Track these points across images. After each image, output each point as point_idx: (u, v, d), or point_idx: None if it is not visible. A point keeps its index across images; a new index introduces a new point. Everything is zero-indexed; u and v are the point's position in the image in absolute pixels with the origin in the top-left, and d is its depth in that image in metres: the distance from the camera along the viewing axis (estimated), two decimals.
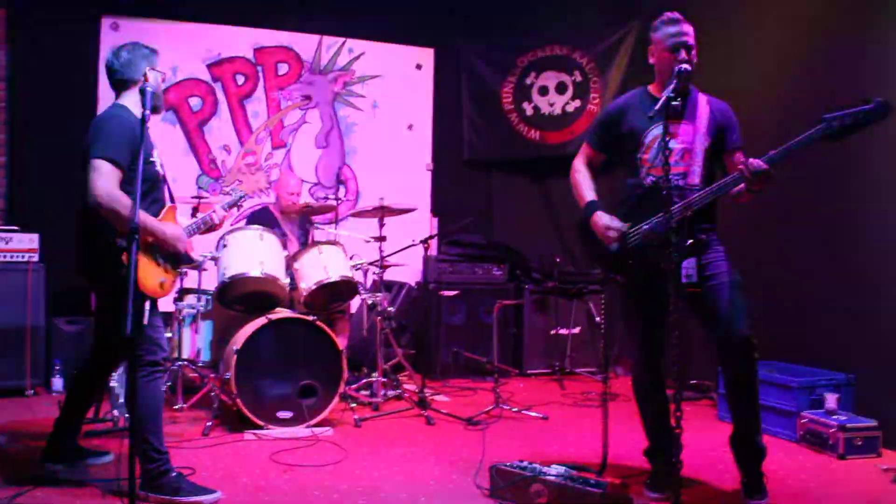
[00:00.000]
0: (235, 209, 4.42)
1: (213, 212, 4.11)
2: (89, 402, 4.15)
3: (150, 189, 3.68)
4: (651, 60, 3.79)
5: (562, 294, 7.20)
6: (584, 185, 3.94)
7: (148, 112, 3.07)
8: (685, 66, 3.49)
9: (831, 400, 4.80)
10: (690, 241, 3.42)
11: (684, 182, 3.62)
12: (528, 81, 7.79)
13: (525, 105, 7.81)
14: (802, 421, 4.81)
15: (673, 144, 3.61)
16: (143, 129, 3.04)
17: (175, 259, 3.74)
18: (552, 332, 7.21)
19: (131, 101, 3.70)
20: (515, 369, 7.06)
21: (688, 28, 3.65)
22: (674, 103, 3.31)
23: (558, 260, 7.28)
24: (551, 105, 7.75)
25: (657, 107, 3.29)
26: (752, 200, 3.56)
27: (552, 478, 3.54)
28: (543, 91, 7.76)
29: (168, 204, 3.85)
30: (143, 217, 3.49)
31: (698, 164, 3.64)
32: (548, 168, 7.89)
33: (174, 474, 3.65)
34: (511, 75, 7.82)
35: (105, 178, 3.43)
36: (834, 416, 4.68)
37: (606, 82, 7.49)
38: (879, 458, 4.53)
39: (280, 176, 6.48)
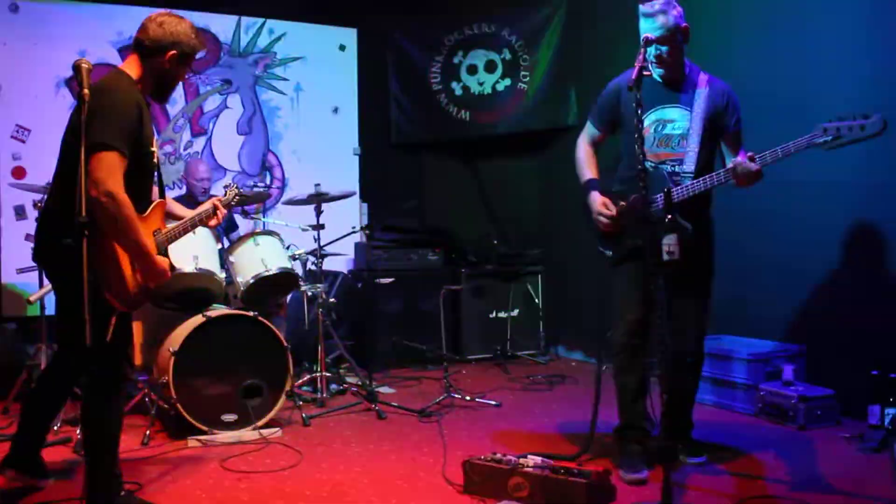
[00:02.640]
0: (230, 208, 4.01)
1: (215, 211, 3.73)
2: (53, 412, 3.75)
3: (143, 182, 3.26)
4: None
5: (499, 277, 7.06)
6: (585, 162, 3.99)
7: (87, 91, 2.73)
8: (648, 34, 3.47)
9: (788, 371, 4.79)
10: (669, 216, 3.29)
11: (680, 168, 3.65)
12: (456, 60, 7.57)
13: (454, 85, 7.59)
14: (761, 394, 4.78)
15: (668, 130, 3.71)
16: (79, 112, 2.70)
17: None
18: (491, 315, 7.06)
19: (136, 70, 3.23)
20: (456, 356, 6.87)
21: (662, 20, 3.57)
22: (646, 73, 3.24)
23: (495, 242, 7.14)
24: (481, 84, 7.55)
25: (632, 75, 3.19)
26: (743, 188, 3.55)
27: (532, 469, 3.38)
28: (472, 70, 7.56)
29: (156, 200, 3.41)
30: (140, 233, 3.08)
31: (694, 150, 3.64)
32: (479, 149, 7.74)
33: (123, 493, 3.35)
34: (438, 54, 7.58)
35: (111, 173, 2.95)
36: (792, 388, 4.67)
37: (537, 60, 7.33)
38: (839, 426, 4.53)
39: (187, 164, 6.13)
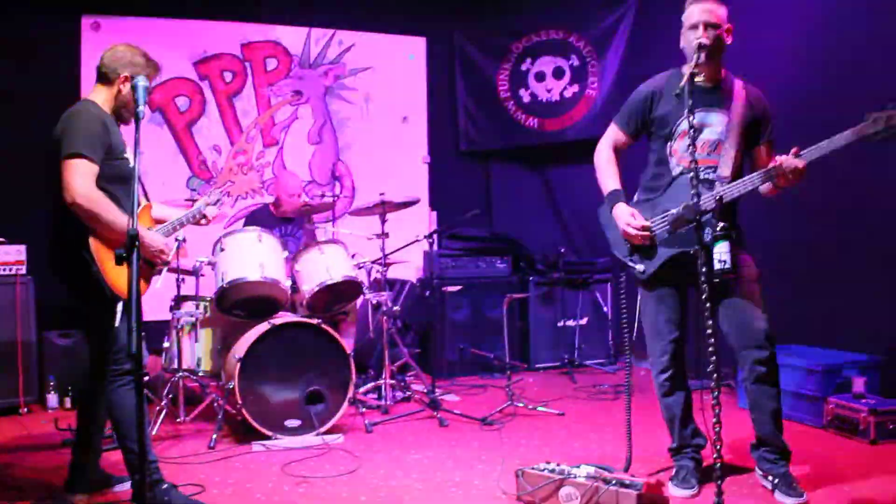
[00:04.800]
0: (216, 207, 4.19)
1: (200, 210, 3.95)
2: (102, 419, 3.79)
3: (124, 186, 3.48)
4: (681, 44, 3.58)
5: (568, 285, 7.02)
6: (608, 171, 3.79)
7: (142, 108, 2.85)
8: (703, 39, 3.37)
9: (859, 383, 4.65)
10: (722, 223, 3.23)
11: (715, 175, 3.49)
12: (524, 67, 7.59)
13: (522, 92, 7.61)
14: (829, 406, 4.65)
15: (706, 135, 3.54)
16: (137, 125, 2.83)
17: (148, 262, 3.55)
18: (559, 324, 7.03)
19: (101, 97, 3.54)
20: (524, 364, 6.87)
21: (712, 6, 3.47)
22: (697, 80, 3.19)
23: (562, 250, 7.09)
24: (549, 91, 7.55)
25: (682, 82, 3.15)
26: (779, 195, 3.39)
27: (583, 479, 3.37)
28: (540, 77, 7.56)
29: (143, 203, 3.68)
30: (122, 217, 3.33)
31: (730, 155, 3.49)
32: (547, 156, 7.74)
33: (165, 486, 3.48)
34: (506, 62, 7.62)
35: (82, 177, 3.26)
36: (863, 400, 4.53)
37: (605, 66, 7.29)
38: None
39: (278, 177, 6.21)
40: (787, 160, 3.25)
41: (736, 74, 3.66)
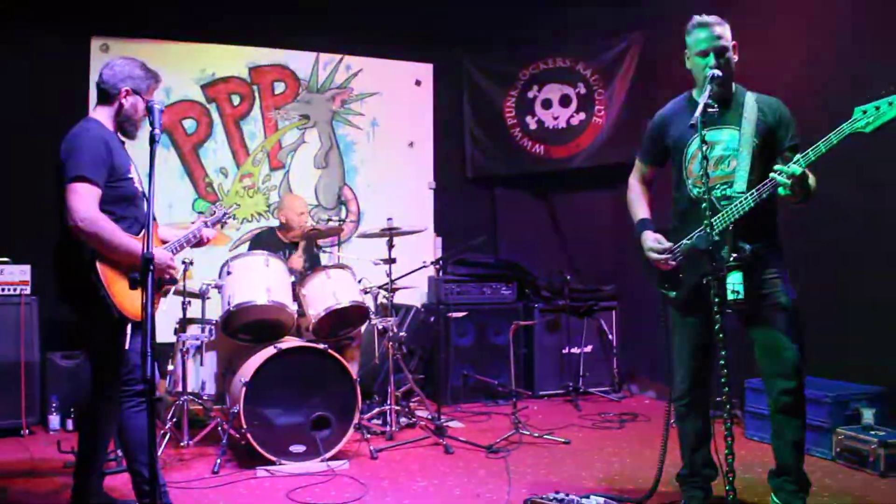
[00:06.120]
0: (220, 226, 4.15)
1: (199, 230, 3.87)
2: (105, 441, 3.76)
3: (129, 206, 3.49)
4: (687, 65, 3.58)
5: (573, 312, 7.00)
6: (636, 202, 3.86)
7: (158, 131, 2.84)
8: (715, 71, 3.35)
9: (868, 415, 4.62)
10: (735, 255, 3.22)
11: (731, 190, 3.43)
12: (531, 95, 7.61)
13: (528, 119, 7.62)
14: (839, 437, 4.62)
15: (717, 152, 3.50)
16: (153, 148, 2.81)
17: (158, 280, 3.51)
18: (564, 351, 7.00)
19: (103, 115, 3.53)
20: (528, 391, 6.83)
21: (720, 30, 3.45)
22: (711, 110, 3.18)
23: (568, 277, 7.07)
24: (555, 118, 7.56)
25: (696, 114, 3.14)
26: (803, 205, 3.34)
27: None
28: (547, 104, 7.58)
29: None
30: (126, 239, 3.32)
31: (745, 168, 3.42)
32: (553, 183, 7.73)
33: None
34: (513, 89, 7.63)
35: (84, 200, 3.25)
36: (872, 432, 4.50)
37: (611, 94, 7.32)
38: None
39: (284, 198, 6.20)
40: (781, 168, 3.19)
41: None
